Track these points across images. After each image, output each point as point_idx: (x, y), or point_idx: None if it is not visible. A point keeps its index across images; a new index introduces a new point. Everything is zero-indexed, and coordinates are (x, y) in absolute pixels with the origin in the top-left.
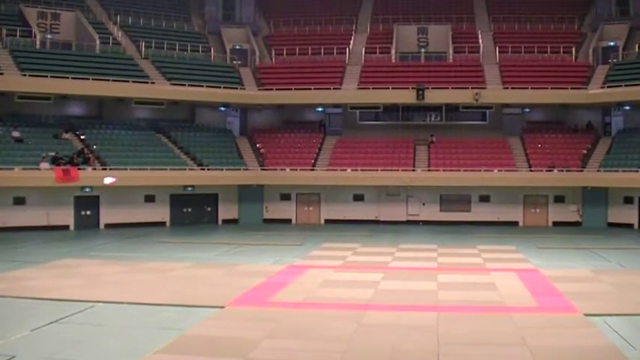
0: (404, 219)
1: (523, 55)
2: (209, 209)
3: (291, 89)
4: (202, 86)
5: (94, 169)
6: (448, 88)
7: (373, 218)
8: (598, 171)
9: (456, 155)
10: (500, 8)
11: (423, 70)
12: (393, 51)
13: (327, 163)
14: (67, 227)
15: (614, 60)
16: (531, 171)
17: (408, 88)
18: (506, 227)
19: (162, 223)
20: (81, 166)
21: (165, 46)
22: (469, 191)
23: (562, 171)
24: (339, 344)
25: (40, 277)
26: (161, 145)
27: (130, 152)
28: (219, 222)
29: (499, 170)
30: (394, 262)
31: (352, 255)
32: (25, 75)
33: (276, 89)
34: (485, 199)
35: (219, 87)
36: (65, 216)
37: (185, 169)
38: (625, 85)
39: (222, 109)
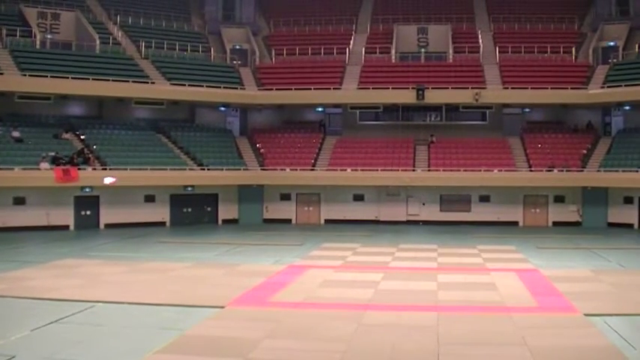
0: (404, 219)
1: (523, 55)
2: (209, 209)
3: (291, 89)
4: (202, 86)
5: (94, 169)
6: (448, 88)
7: (373, 218)
8: (598, 171)
9: (455, 155)
10: (500, 8)
11: (423, 70)
12: (393, 51)
13: (327, 163)
14: (67, 227)
15: (614, 60)
16: (531, 171)
17: (408, 88)
18: (506, 227)
19: (163, 223)
20: (81, 166)
21: (165, 46)
22: (469, 191)
23: (562, 171)
24: (339, 344)
25: (40, 277)
26: (161, 145)
27: (130, 152)
28: (219, 222)
29: (499, 170)
30: (394, 262)
31: (352, 255)
32: (25, 75)
33: (276, 89)
34: (485, 199)
35: (219, 87)
36: (65, 216)
37: (185, 169)
38: (625, 85)
39: (222, 109)
